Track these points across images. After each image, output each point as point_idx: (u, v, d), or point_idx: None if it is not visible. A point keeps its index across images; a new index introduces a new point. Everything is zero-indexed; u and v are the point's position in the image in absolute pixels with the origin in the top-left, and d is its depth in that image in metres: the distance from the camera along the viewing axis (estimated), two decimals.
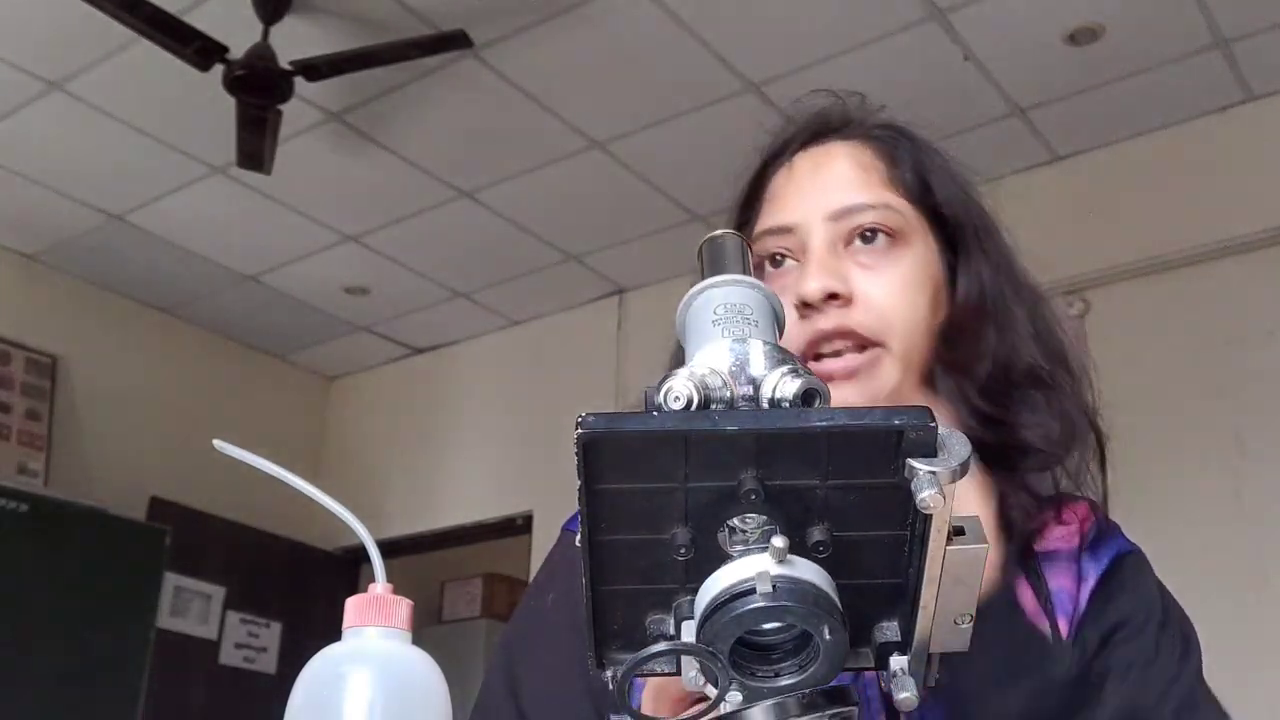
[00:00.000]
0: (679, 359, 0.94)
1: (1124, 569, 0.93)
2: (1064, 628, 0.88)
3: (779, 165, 0.99)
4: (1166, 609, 0.92)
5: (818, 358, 0.89)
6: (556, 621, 0.92)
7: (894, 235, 0.92)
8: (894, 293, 0.91)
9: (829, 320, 0.89)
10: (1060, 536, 0.92)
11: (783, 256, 0.94)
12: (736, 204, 1.02)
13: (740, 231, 0.96)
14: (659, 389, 0.54)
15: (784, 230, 0.94)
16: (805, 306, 0.89)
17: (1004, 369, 0.92)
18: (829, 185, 0.95)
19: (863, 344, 0.89)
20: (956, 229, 0.96)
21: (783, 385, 0.55)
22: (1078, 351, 0.97)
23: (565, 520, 1.00)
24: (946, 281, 0.95)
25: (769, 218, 0.96)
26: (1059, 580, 0.90)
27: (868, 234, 0.92)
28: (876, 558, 0.55)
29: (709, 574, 0.52)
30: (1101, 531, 0.95)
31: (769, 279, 0.94)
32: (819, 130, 0.99)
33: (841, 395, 0.88)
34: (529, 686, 0.91)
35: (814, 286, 0.88)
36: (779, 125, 1.02)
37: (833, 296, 0.89)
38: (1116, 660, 0.87)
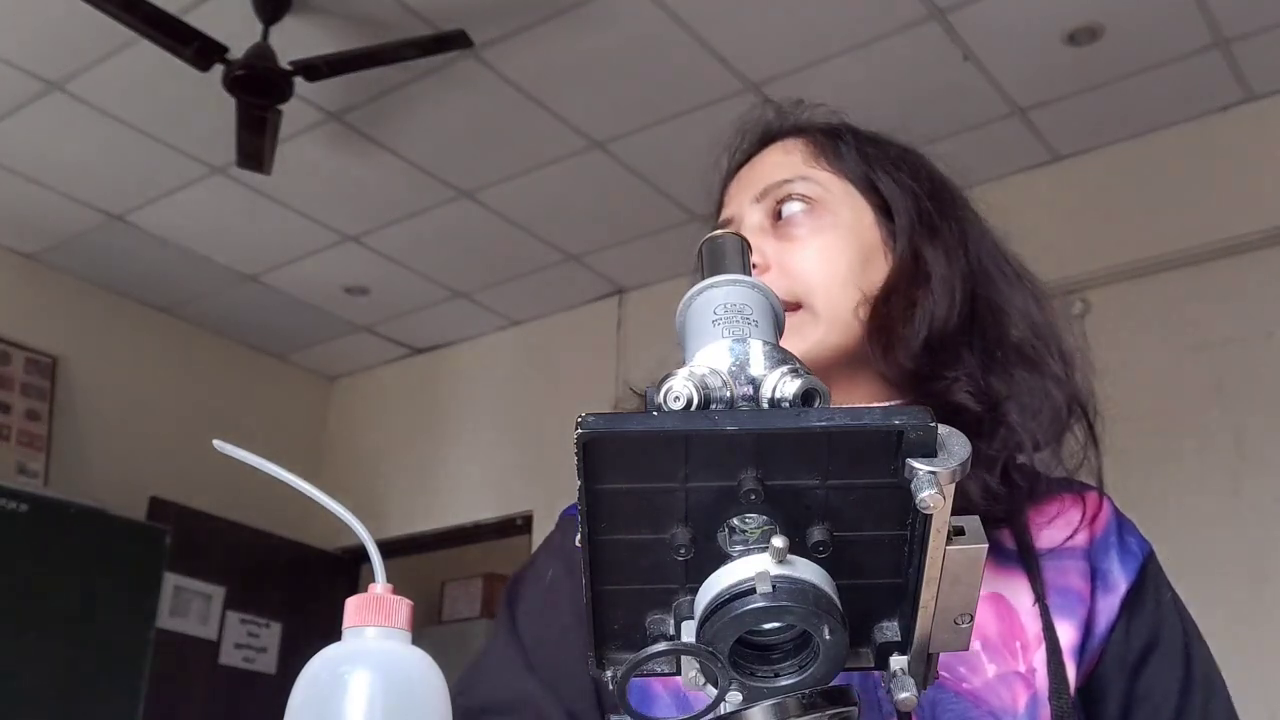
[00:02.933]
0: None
1: (1148, 575, 0.90)
2: (1073, 633, 0.85)
3: (732, 176, 1.06)
4: (1184, 623, 0.90)
5: None
6: (556, 598, 0.92)
7: (812, 203, 0.96)
8: (811, 256, 0.94)
9: None
10: (1066, 531, 0.89)
11: None
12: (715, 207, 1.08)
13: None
14: (659, 389, 0.54)
15: (727, 223, 1.00)
16: None
17: (941, 331, 0.92)
18: (758, 177, 1.01)
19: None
20: (889, 196, 0.98)
21: (783, 385, 0.55)
22: (1065, 332, 0.97)
23: (565, 508, 1.01)
24: (889, 249, 0.97)
25: (720, 216, 1.04)
26: (1066, 579, 0.87)
27: (787, 205, 0.97)
28: (876, 558, 0.55)
29: (709, 574, 0.52)
30: (1122, 528, 0.92)
31: None
32: (763, 138, 1.05)
33: None
34: (535, 649, 0.90)
35: None
36: (731, 140, 1.08)
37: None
38: (1145, 688, 0.86)
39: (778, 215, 0.97)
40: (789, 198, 0.97)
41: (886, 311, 0.92)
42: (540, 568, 0.97)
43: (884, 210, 0.97)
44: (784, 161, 1.00)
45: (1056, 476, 0.92)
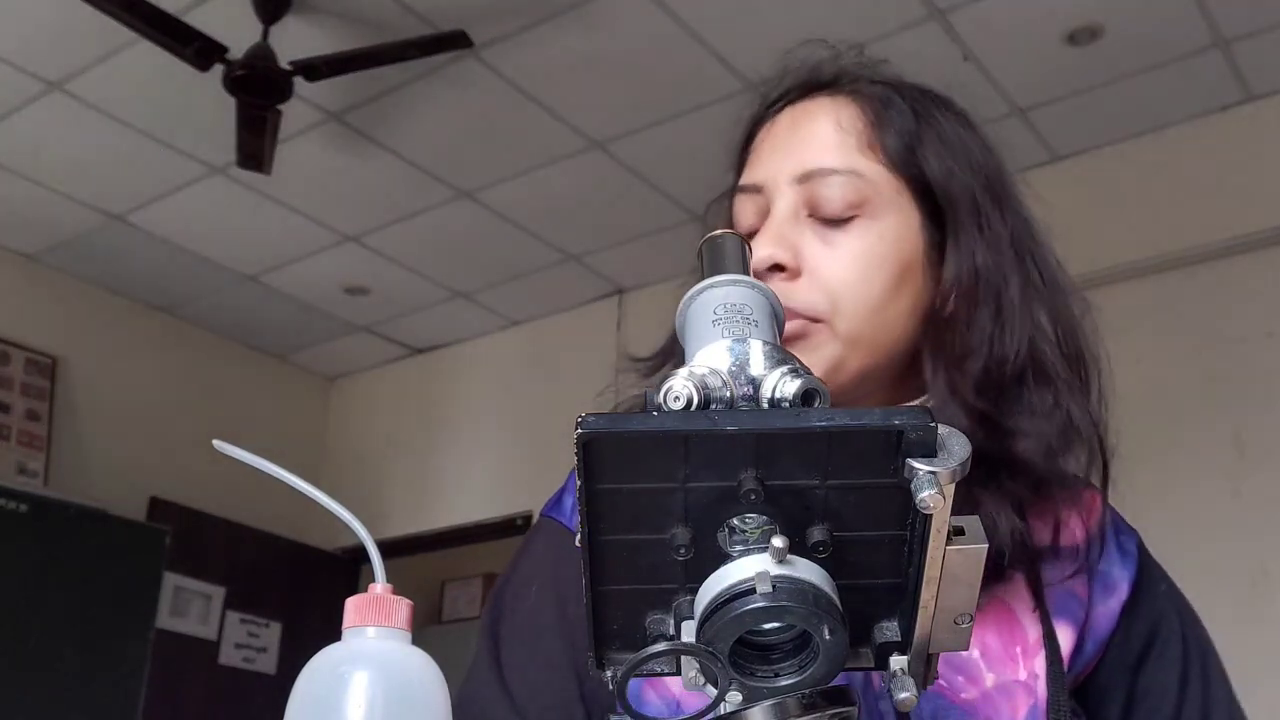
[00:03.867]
0: (667, 352, 0.92)
1: (1143, 572, 0.88)
2: (1070, 636, 0.83)
3: (766, 118, 0.94)
4: (1181, 613, 0.88)
5: None
6: (541, 620, 0.86)
7: (859, 206, 0.85)
8: (846, 268, 0.84)
9: None
10: (1063, 531, 0.86)
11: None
12: (735, 159, 0.97)
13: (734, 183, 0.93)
14: (659, 389, 0.54)
15: (753, 189, 0.89)
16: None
17: (1000, 363, 0.84)
18: (801, 145, 0.88)
19: (803, 319, 0.83)
20: (946, 204, 0.87)
21: (783, 385, 0.55)
22: (1096, 356, 0.90)
23: (546, 505, 0.94)
24: (931, 261, 0.87)
25: (745, 174, 0.92)
26: (1064, 581, 0.85)
27: (830, 201, 0.85)
28: (876, 558, 0.55)
29: (709, 574, 0.52)
30: (1116, 524, 0.90)
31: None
32: (809, 84, 0.93)
33: None
34: (520, 686, 0.85)
35: (760, 255, 0.83)
36: (774, 76, 0.96)
37: (779, 268, 0.83)
38: (1145, 685, 0.85)
39: (815, 204, 0.86)
40: (837, 197, 0.85)
41: (944, 346, 0.84)
42: (522, 583, 0.90)
43: (931, 213, 0.87)
44: (836, 141, 0.87)
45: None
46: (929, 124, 0.89)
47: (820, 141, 0.87)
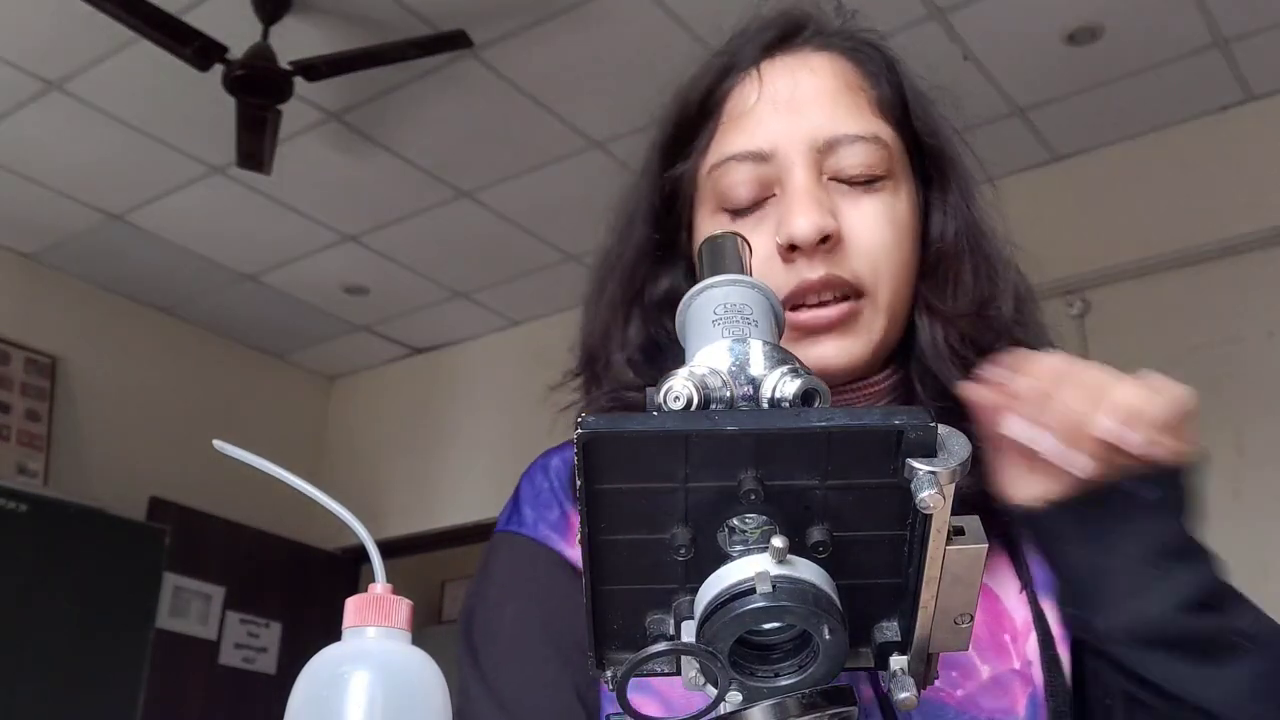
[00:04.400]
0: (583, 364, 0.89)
1: None
2: (1057, 613, 0.79)
3: (738, 74, 0.84)
4: None
5: (794, 308, 0.79)
6: (526, 641, 0.81)
7: (883, 170, 0.81)
8: (881, 233, 0.80)
9: (815, 269, 0.78)
10: None
11: (753, 205, 0.81)
12: (677, 117, 0.87)
13: (680, 151, 0.86)
14: (659, 389, 0.54)
15: (758, 157, 0.80)
16: (790, 250, 0.78)
17: (984, 318, 0.82)
18: (813, 107, 0.81)
19: (846, 293, 0.79)
20: (936, 162, 0.85)
21: (783, 385, 0.55)
22: (1030, 287, 0.88)
23: (500, 522, 0.89)
24: (919, 217, 0.84)
25: (734, 139, 0.82)
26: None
27: (853, 166, 0.80)
28: (876, 557, 0.55)
29: (709, 574, 0.52)
30: None
31: (738, 225, 0.81)
32: (788, 31, 0.85)
33: (820, 351, 0.79)
34: (523, 713, 0.79)
35: (806, 225, 0.77)
36: (742, 26, 0.87)
37: (825, 239, 0.78)
38: None
39: (837, 170, 0.80)
40: (862, 164, 0.80)
41: (936, 304, 0.82)
42: (493, 607, 0.84)
43: (919, 173, 0.85)
44: (849, 102, 0.81)
45: None
46: (907, 80, 0.86)
47: (834, 102, 0.81)
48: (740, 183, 0.81)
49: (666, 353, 0.85)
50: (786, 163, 0.80)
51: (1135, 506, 0.71)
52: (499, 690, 0.79)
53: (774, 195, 0.81)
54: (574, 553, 0.82)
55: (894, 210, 0.81)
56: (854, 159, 0.80)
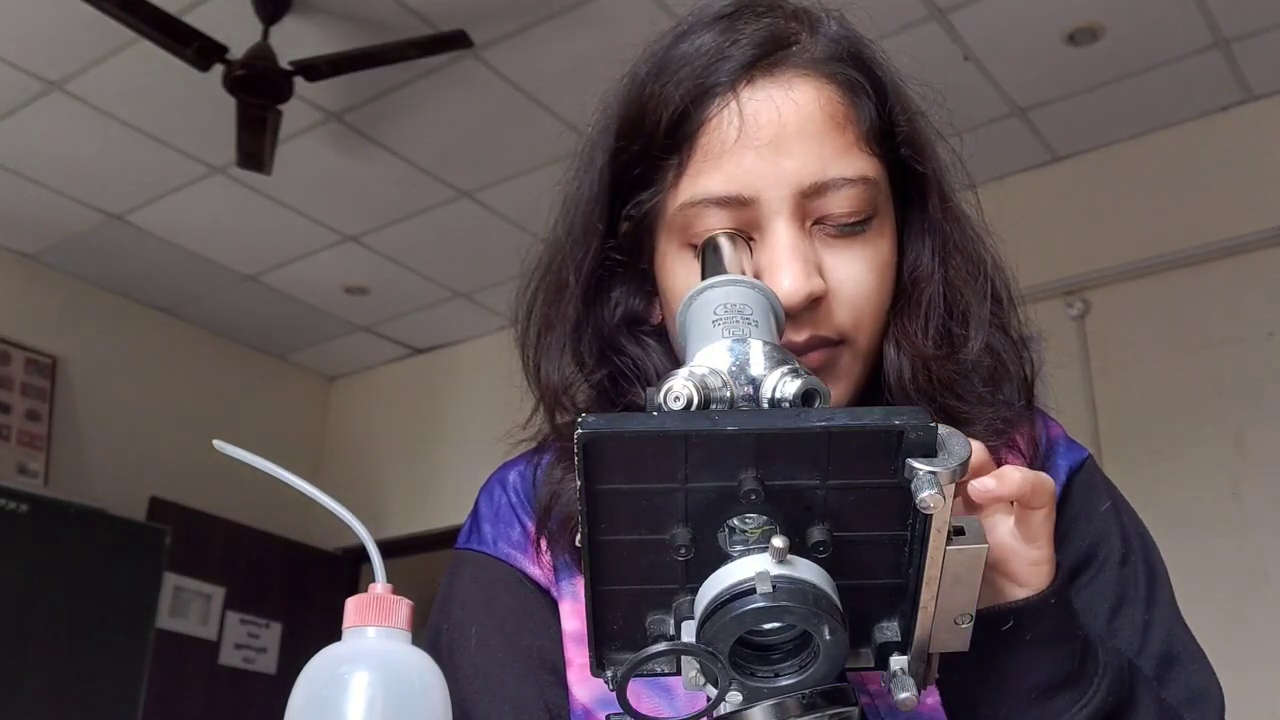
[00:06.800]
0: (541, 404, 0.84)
1: (1074, 491, 0.81)
2: None
3: (714, 100, 0.75)
4: (1126, 535, 0.80)
5: None
6: (494, 664, 0.79)
7: (870, 212, 0.75)
8: (865, 281, 0.75)
9: (800, 331, 0.74)
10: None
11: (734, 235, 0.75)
12: (639, 132, 0.77)
13: (635, 166, 0.79)
14: (659, 389, 0.54)
15: (738, 202, 0.74)
16: None
17: (952, 358, 0.78)
18: (796, 143, 0.74)
19: (827, 340, 0.76)
20: (917, 181, 0.80)
21: (783, 385, 0.55)
22: (1011, 288, 0.84)
23: (460, 538, 0.86)
24: (897, 244, 0.80)
25: (711, 179, 0.74)
26: None
27: (840, 206, 0.74)
28: (876, 558, 0.55)
29: (709, 574, 0.52)
30: (1051, 447, 0.82)
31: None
32: (769, 49, 0.77)
33: None
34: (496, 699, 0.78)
35: (792, 290, 0.72)
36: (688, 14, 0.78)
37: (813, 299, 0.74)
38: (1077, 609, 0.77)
39: (823, 215, 0.75)
40: (849, 210, 0.75)
41: (904, 334, 0.79)
42: (457, 629, 0.81)
43: (900, 192, 0.80)
44: (837, 142, 0.74)
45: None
46: (897, 97, 0.80)
47: (820, 142, 0.74)
48: (716, 227, 0.75)
49: (633, 384, 0.81)
50: (769, 210, 0.73)
51: (1017, 644, 0.66)
52: (468, 711, 0.77)
53: (753, 238, 0.75)
54: (536, 570, 0.82)
55: (878, 255, 0.77)
56: (840, 204, 0.74)
